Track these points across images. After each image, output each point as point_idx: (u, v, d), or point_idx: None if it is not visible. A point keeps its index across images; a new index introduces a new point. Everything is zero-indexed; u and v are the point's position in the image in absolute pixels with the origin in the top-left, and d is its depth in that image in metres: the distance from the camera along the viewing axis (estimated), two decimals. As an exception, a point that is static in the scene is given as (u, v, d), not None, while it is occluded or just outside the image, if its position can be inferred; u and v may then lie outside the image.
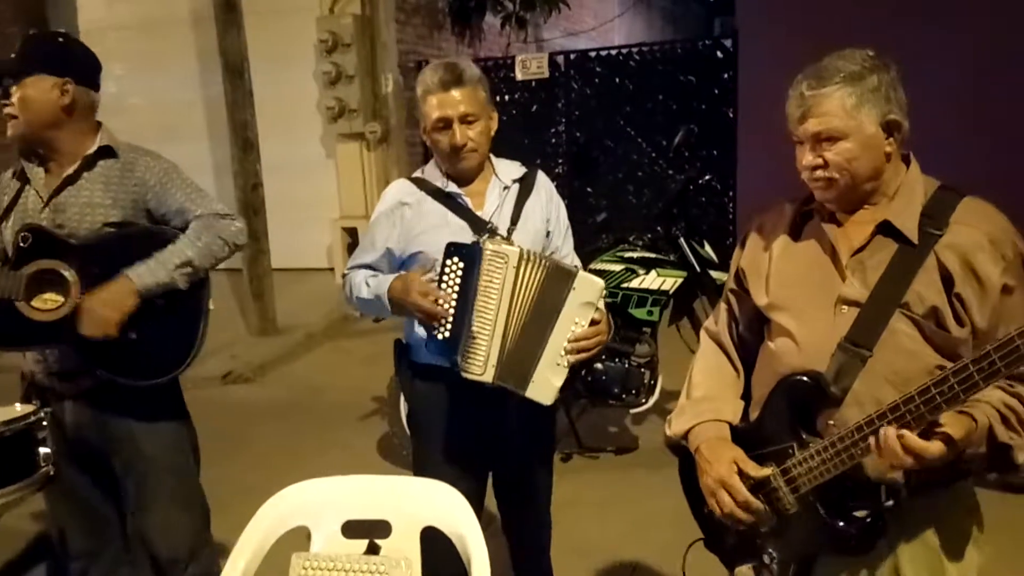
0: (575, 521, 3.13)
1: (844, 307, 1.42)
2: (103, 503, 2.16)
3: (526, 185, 2.08)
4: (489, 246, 1.84)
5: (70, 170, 2.00)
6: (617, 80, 7.26)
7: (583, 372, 3.59)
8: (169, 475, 2.11)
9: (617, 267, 3.65)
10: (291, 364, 5.84)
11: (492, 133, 2.04)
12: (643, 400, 3.69)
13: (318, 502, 1.68)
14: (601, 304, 1.91)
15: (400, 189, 2.09)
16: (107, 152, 2.03)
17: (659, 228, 3.81)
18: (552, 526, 2.29)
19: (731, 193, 6.93)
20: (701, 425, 1.58)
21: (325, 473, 1.71)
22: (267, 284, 6.20)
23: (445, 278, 1.87)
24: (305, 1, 7.37)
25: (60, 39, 2.04)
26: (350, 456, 4.01)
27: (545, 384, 1.87)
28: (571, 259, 2.16)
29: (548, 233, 2.11)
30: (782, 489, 1.44)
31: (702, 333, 1.74)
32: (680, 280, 3.63)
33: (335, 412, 4.66)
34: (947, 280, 1.34)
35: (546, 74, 7.36)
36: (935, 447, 1.24)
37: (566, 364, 1.87)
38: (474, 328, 1.84)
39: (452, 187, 2.03)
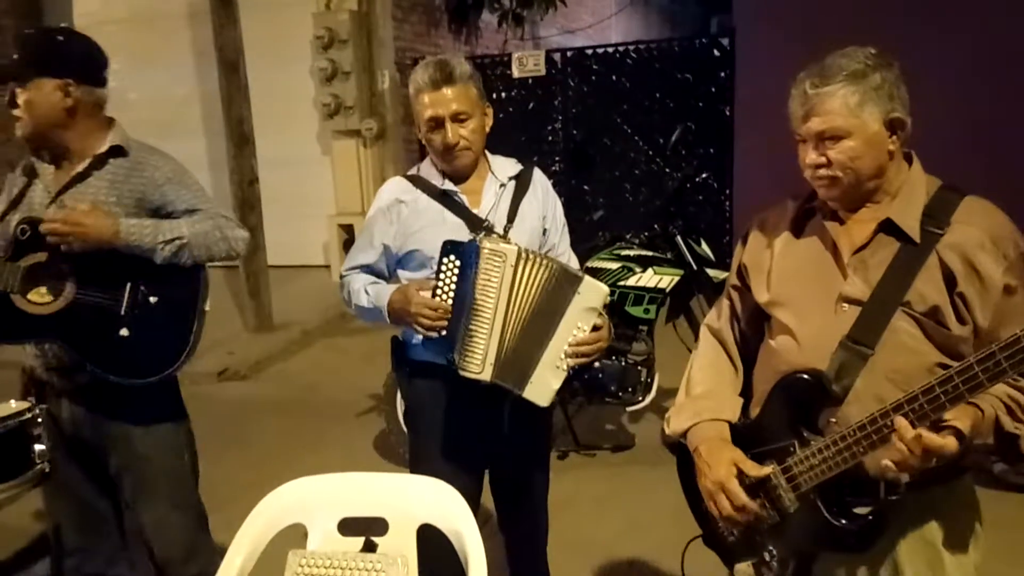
0: (572, 518, 3.14)
1: (845, 305, 1.42)
2: (99, 499, 2.16)
3: (522, 182, 2.08)
4: (487, 244, 1.84)
5: (80, 168, 1.99)
6: (614, 78, 7.25)
7: (579, 370, 3.58)
8: (163, 476, 2.10)
9: (614, 265, 3.65)
10: (287, 361, 5.83)
11: (487, 130, 2.03)
12: (640, 398, 3.69)
13: (314, 500, 1.68)
14: (603, 310, 1.91)
15: (396, 187, 2.08)
16: (118, 151, 2.01)
17: (656, 226, 3.81)
18: (549, 523, 2.29)
19: (728, 191, 6.93)
20: (700, 424, 1.58)
21: (321, 470, 1.71)
22: (263, 281, 6.18)
23: (441, 276, 1.87)
24: (302, -3, 7.36)
25: (60, 37, 2.00)
26: (347, 453, 4.01)
27: (543, 385, 1.87)
28: (568, 256, 2.16)
29: (545, 230, 2.11)
30: (783, 487, 1.44)
31: (702, 329, 1.74)
32: (677, 278, 3.63)
33: (331, 409, 4.65)
34: (949, 279, 1.34)
35: (543, 71, 7.35)
36: (951, 443, 1.23)
37: (565, 367, 1.87)
38: (472, 327, 1.83)
39: (448, 185, 2.02)
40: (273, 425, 4.53)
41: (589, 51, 7.46)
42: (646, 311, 3.63)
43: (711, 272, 3.71)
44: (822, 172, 1.40)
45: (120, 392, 2.01)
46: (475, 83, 1.97)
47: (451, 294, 1.86)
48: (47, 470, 2.03)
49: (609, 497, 3.44)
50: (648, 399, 3.72)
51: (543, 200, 2.11)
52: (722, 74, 6.83)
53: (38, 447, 2.02)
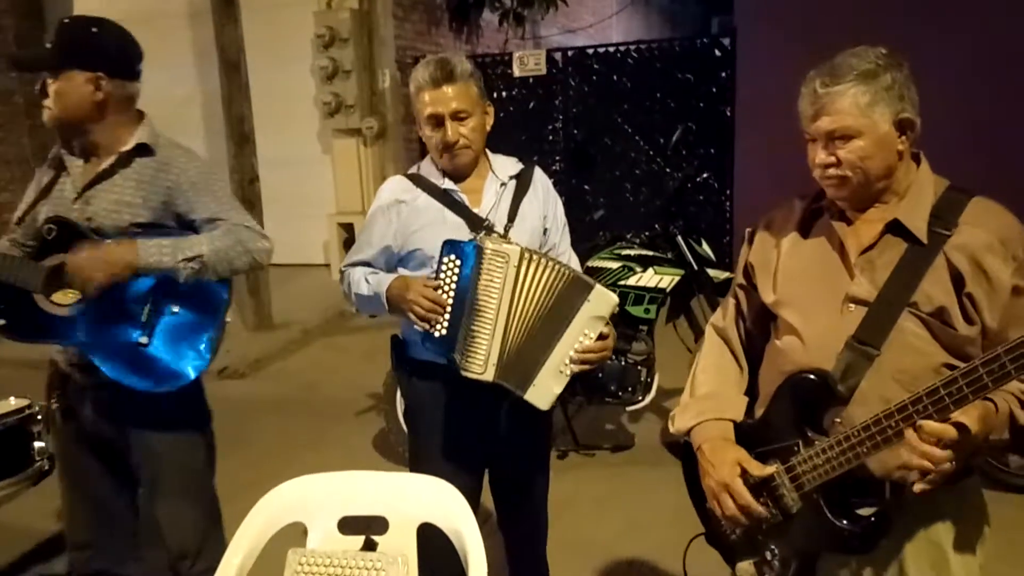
0: (571, 518, 3.14)
1: (851, 305, 1.41)
2: (113, 497, 2.15)
3: (523, 182, 2.07)
4: (489, 245, 1.83)
5: (105, 164, 1.96)
6: (615, 77, 7.25)
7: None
8: (179, 472, 2.09)
9: (614, 264, 3.64)
10: (287, 360, 5.82)
11: (487, 129, 2.02)
12: (640, 398, 3.69)
13: (314, 498, 1.67)
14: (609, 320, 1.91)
15: (396, 186, 2.08)
16: (144, 150, 1.98)
17: (656, 225, 3.81)
18: (548, 523, 2.29)
19: (728, 191, 6.93)
20: (704, 424, 1.57)
21: (321, 469, 1.70)
22: (263, 279, 6.18)
23: (442, 276, 1.87)
24: (303, -5, 7.36)
25: (94, 28, 1.95)
26: (346, 452, 4.00)
27: (545, 389, 1.87)
28: (568, 256, 2.15)
29: (545, 230, 2.10)
30: (786, 487, 1.44)
31: (708, 329, 1.74)
32: (677, 278, 3.63)
33: (331, 408, 4.65)
34: (957, 280, 1.34)
35: (544, 71, 7.35)
36: (950, 430, 1.23)
37: (568, 373, 1.87)
38: (474, 327, 1.83)
39: (448, 184, 2.02)
40: (273, 424, 4.52)
41: (590, 51, 7.46)
42: (646, 311, 3.62)
43: (711, 272, 3.71)
44: (831, 172, 1.39)
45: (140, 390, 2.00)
46: (476, 81, 1.97)
47: (451, 294, 1.86)
48: (46, 467, 2.03)
49: (609, 497, 3.43)
50: (648, 399, 3.72)
51: (544, 199, 2.10)
52: (723, 74, 6.83)
53: (37, 444, 2.03)
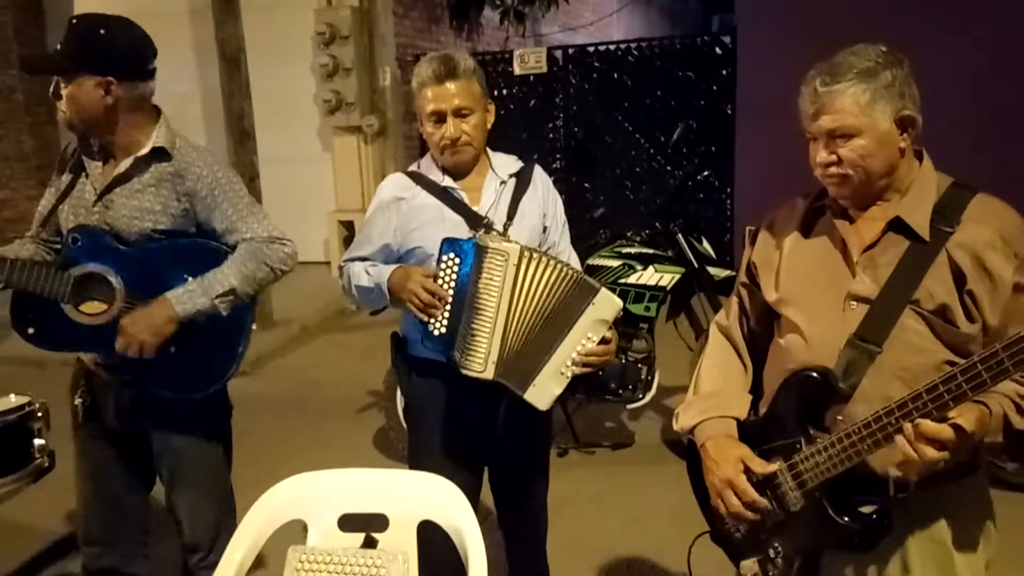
0: (571, 516, 3.14)
1: (853, 303, 1.41)
2: (128, 495, 2.15)
3: (523, 180, 2.07)
4: (489, 243, 1.83)
5: (122, 167, 1.95)
6: (615, 75, 7.25)
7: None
8: (198, 467, 2.10)
9: (615, 263, 3.64)
10: (287, 357, 5.82)
11: (488, 126, 2.02)
12: (640, 396, 3.69)
13: (314, 496, 1.67)
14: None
15: (396, 183, 2.07)
16: (161, 154, 1.96)
17: (657, 223, 3.80)
18: (548, 521, 2.29)
19: (729, 189, 6.93)
20: (707, 421, 1.57)
21: (321, 467, 1.70)
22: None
23: (441, 274, 1.87)
24: (303, -7, 7.35)
25: (103, 30, 1.91)
26: (346, 450, 4.00)
27: (545, 390, 1.87)
28: (568, 254, 2.15)
29: (545, 228, 2.10)
30: (788, 484, 1.44)
31: (712, 327, 1.74)
32: (678, 276, 3.63)
33: (331, 406, 4.65)
34: (959, 277, 1.34)
35: (544, 69, 7.35)
36: (947, 431, 1.23)
37: (569, 375, 1.87)
38: (473, 325, 1.83)
39: (448, 181, 2.02)
40: (273, 421, 4.52)
41: (591, 48, 7.46)
42: (647, 309, 3.62)
43: (712, 270, 3.71)
44: (832, 170, 1.39)
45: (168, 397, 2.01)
46: (478, 79, 1.97)
47: (451, 292, 1.86)
48: (46, 465, 2.03)
49: (609, 494, 3.43)
50: (648, 397, 3.72)
51: (543, 198, 2.10)
52: (724, 72, 6.83)
53: (38, 441, 2.02)
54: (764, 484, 1.47)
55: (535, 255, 1.84)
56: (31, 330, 1.94)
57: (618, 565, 2.90)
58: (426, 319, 1.87)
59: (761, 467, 1.46)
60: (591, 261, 3.63)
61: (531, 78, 7.47)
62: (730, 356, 1.67)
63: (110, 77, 1.88)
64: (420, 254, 1.99)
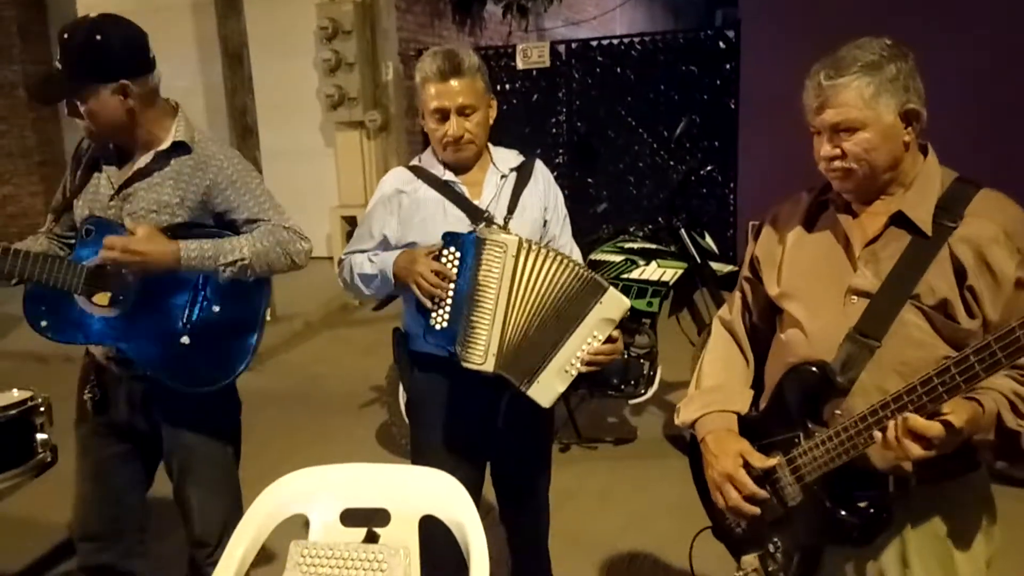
0: (573, 511, 3.14)
1: (854, 298, 1.41)
2: (129, 491, 2.14)
3: (523, 174, 2.07)
4: (487, 235, 1.83)
5: (141, 163, 1.94)
6: (618, 70, 7.23)
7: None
8: (207, 464, 2.09)
9: (617, 258, 3.64)
10: (289, 353, 5.83)
11: (491, 122, 2.02)
12: (642, 391, 3.69)
13: (316, 490, 1.68)
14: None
15: (397, 177, 2.07)
16: (181, 148, 1.95)
17: (660, 219, 3.80)
18: (550, 516, 2.29)
19: (732, 184, 6.92)
20: (708, 415, 1.57)
21: (323, 461, 1.70)
22: (266, 272, 6.18)
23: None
24: (305, -12, 7.34)
25: (98, 36, 1.87)
26: (349, 445, 4.01)
27: (548, 387, 1.87)
28: (570, 248, 2.15)
29: (545, 222, 2.10)
30: (787, 479, 1.44)
31: (715, 322, 1.74)
32: (680, 271, 3.62)
33: (334, 401, 4.66)
34: (960, 273, 1.33)
35: (547, 63, 7.33)
36: (935, 427, 1.23)
37: (573, 373, 1.87)
38: (473, 318, 1.83)
39: (449, 176, 2.01)
40: (275, 416, 4.53)
41: (594, 43, 7.44)
42: (649, 304, 3.62)
43: (715, 265, 3.71)
44: (836, 164, 1.39)
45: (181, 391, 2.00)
46: (482, 75, 1.97)
47: (451, 286, 1.86)
48: (48, 459, 2.03)
49: (611, 490, 3.44)
50: (650, 392, 3.72)
51: (544, 192, 2.10)
52: (727, 67, 6.81)
53: (40, 436, 2.02)
54: (764, 479, 1.47)
55: (534, 247, 1.84)
56: (44, 322, 1.93)
57: (620, 560, 2.90)
58: (431, 304, 1.86)
59: (760, 461, 1.46)
60: (594, 256, 3.63)
61: (534, 73, 7.45)
62: (732, 351, 1.67)
63: (122, 80, 1.86)
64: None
